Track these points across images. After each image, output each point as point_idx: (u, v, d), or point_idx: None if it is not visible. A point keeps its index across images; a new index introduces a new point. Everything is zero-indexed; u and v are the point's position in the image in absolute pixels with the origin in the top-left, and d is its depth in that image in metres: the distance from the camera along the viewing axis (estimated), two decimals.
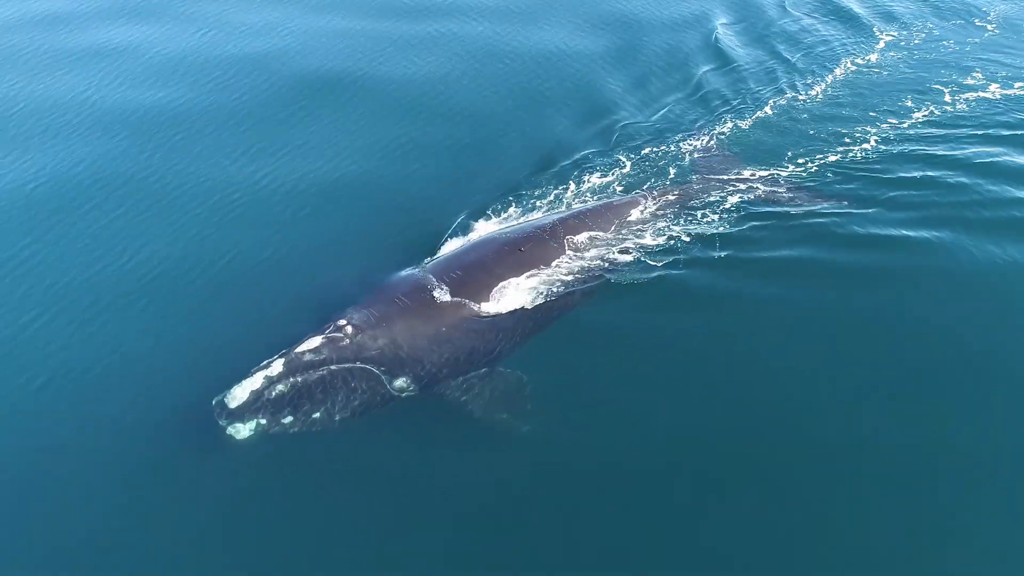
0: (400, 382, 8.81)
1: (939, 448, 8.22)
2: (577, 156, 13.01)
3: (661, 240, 10.79)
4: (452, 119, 14.00)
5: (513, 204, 11.68)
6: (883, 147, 12.65)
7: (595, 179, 12.30)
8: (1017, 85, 14.31)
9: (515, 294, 9.73)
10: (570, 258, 10.29)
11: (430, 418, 8.76)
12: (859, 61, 15.62)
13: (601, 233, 10.73)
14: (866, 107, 13.88)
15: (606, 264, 10.34)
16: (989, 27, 16.86)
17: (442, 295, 9.47)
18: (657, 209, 11.38)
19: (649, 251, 10.57)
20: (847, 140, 12.91)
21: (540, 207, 11.64)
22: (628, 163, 12.69)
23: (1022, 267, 10.16)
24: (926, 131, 13.04)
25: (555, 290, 9.87)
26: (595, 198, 11.81)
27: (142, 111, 14.15)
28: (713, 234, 10.87)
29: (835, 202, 11.49)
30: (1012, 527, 7.55)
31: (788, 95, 14.46)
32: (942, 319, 9.58)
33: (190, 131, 13.59)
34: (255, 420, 8.33)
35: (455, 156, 13.06)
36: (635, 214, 11.21)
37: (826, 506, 7.77)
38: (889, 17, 17.44)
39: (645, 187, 12.03)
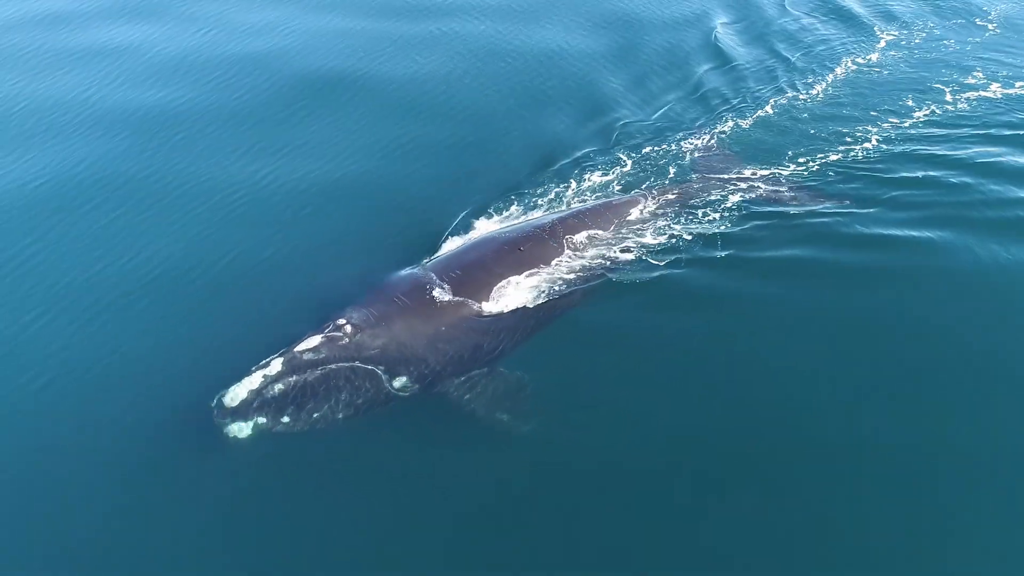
0: (400, 381, 8.81)
1: (939, 448, 8.20)
2: (577, 155, 12.99)
3: (661, 239, 10.78)
4: (452, 118, 13.99)
5: (513, 203, 11.66)
6: (884, 146, 12.63)
7: (595, 178, 12.28)
8: (1018, 84, 14.28)
9: (515, 293, 9.72)
10: (570, 257, 10.28)
11: (430, 418, 8.75)
12: (860, 60, 15.60)
13: (601, 232, 10.73)
14: (867, 106, 13.86)
15: (606, 263, 10.33)
16: (990, 26, 16.83)
17: (442, 294, 9.46)
18: (657, 208, 11.37)
19: (649, 250, 10.56)
20: (848, 139, 12.89)
21: (540, 206, 11.63)
22: (628, 162, 12.67)
23: (1023, 267, 10.13)
24: (927, 130, 13.02)
25: (555, 289, 9.86)
26: (595, 197, 11.80)
27: (143, 110, 14.14)
28: (713, 233, 10.85)
29: (836, 202, 11.48)
30: (1012, 527, 7.53)
31: (789, 94, 14.45)
32: (942, 319, 9.55)
33: (191, 130, 13.59)
34: (254, 419, 8.32)
35: (455, 155, 13.04)
36: (635, 213, 11.20)
37: (826, 506, 7.75)
38: (890, 16, 17.42)
39: (645, 186, 12.02)
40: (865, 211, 11.19)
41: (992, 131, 12.84)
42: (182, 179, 12.35)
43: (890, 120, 13.36)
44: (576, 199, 11.79)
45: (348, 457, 8.36)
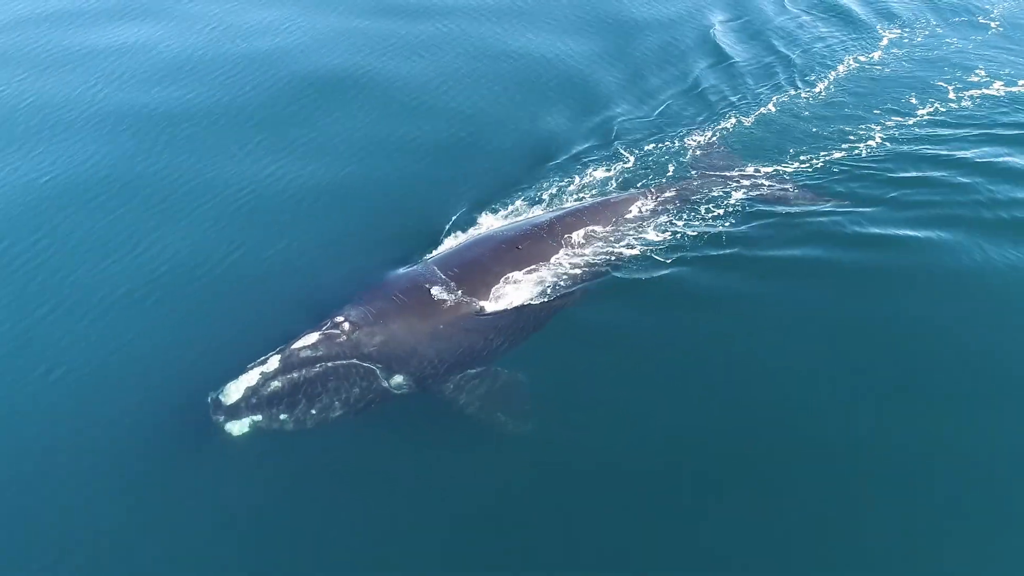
0: (397, 379, 8.78)
1: (937, 448, 8.20)
2: (577, 153, 12.95)
3: (660, 238, 10.74)
4: (451, 117, 13.95)
5: (512, 202, 11.62)
6: (886, 146, 12.58)
7: (595, 174, 12.25)
8: (1021, 83, 14.22)
9: (513, 292, 9.71)
10: (568, 256, 10.25)
11: (427, 416, 8.73)
12: (862, 58, 15.54)
13: (599, 231, 10.69)
14: (869, 105, 13.80)
15: (604, 262, 10.30)
16: (992, 24, 16.76)
17: (440, 293, 9.44)
18: (656, 206, 11.33)
19: (648, 249, 10.52)
20: (850, 138, 12.84)
21: (539, 205, 11.60)
22: (628, 159, 12.63)
23: (1021, 268, 10.10)
24: (929, 130, 12.97)
25: (553, 288, 9.84)
26: (593, 195, 11.76)
27: (145, 109, 14.12)
28: (712, 232, 10.82)
29: (836, 201, 11.44)
30: (1010, 527, 7.53)
31: (791, 92, 14.39)
32: (940, 319, 9.53)
33: (192, 129, 13.57)
34: (250, 417, 8.30)
35: (454, 154, 13.01)
36: (633, 211, 11.16)
37: (825, 506, 7.75)
38: (892, 14, 17.35)
39: (643, 184, 11.97)
40: (864, 211, 11.15)
41: (995, 131, 12.79)
42: (184, 177, 12.34)
43: (892, 119, 13.31)
44: (575, 197, 11.75)
45: (345, 456, 8.34)
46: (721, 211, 11.25)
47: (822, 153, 12.49)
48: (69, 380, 9.01)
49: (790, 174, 12.17)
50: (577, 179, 12.20)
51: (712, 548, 7.46)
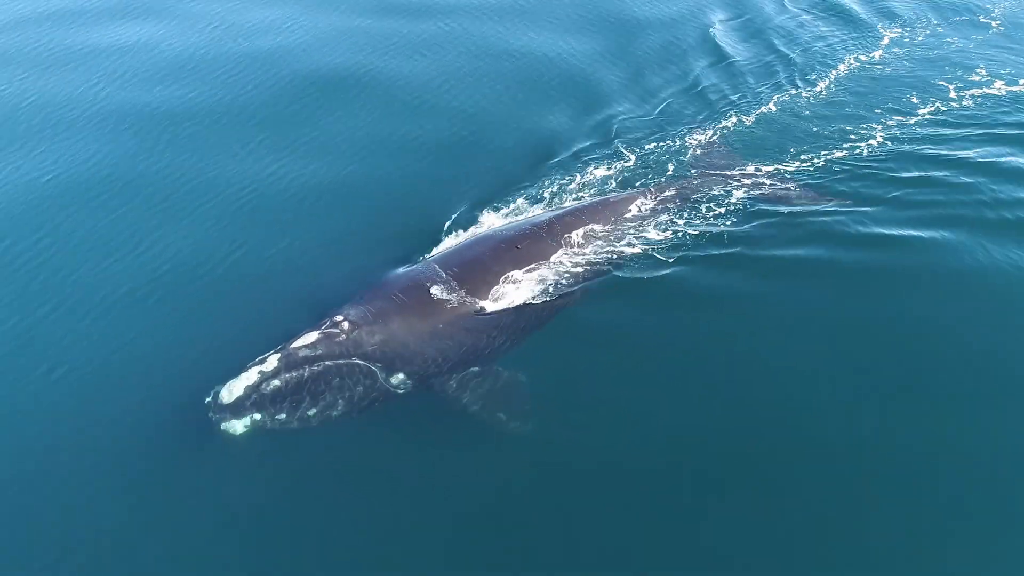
0: (396, 378, 8.75)
1: (939, 448, 8.17)
2: (578, 152, 12.94)
3: (660, 237, 10.71)
4: (453, 116, 13.95)
5: (513, 201, 11.60)
6: (887, 145, 12.56)
7: (595, 174, 12.22)
8: (1022, 82, 14.20)
9: (512, 291, 9.68)
10: (567, 255, 10.23)
11: (427, 415, 8.71)
12: (863, 57, 15.52)
13: (599, 230, 10.67)
14: (869, 104, 13.77)
15: (604, 261, 10.27)
16: (993, 24, 16.75)
17: (439, 292, 9.41)
18: (655, 205, 11.30)
19: (648, 248, 10.50)
20: (851, 137, 12.81)
21: (540, 203, 11.58)
22: (628, 158, 12.60)
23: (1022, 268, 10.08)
24: (931, 129, 12.94)
25: (552, 287, 9.81)
26: (593, 194, 11.73)
27: (147, 108, 14.12)
28: (713, 231, 10.79)
29: (838, 200, 11.41)
30: (1013, 527, 7.51)
31: (791, 91, 14.37)
32: (944, 319, 9.49)
33: (194, 128, 13.57)
34: (249, 416, 8.27)
35: (455, 153, 13.00)
36: (633, 211, 11.13)
37: (826, 506, 7.72)
38: (893, 14, 17.34)
39: (644, 183, 11.94)
40: (866, 210, 11.12)
41: (997, 130, 12.76)
42: (186, 176, 12.34)
43: (893, 118, 13.29)
44: (574, 196, 11.73)
45: (344, 455, 8.30)
46: (722, 210, 11.23)
47: (823, 152, 12.47)
48: (70, 379, 8.99)
49: (791, 173, 12.15)
50: (578, 177, 12.18)
51: (713, 548, 7.43)
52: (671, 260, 10.29)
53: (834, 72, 14.97)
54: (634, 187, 11.85)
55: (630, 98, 14.51)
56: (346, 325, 8.94)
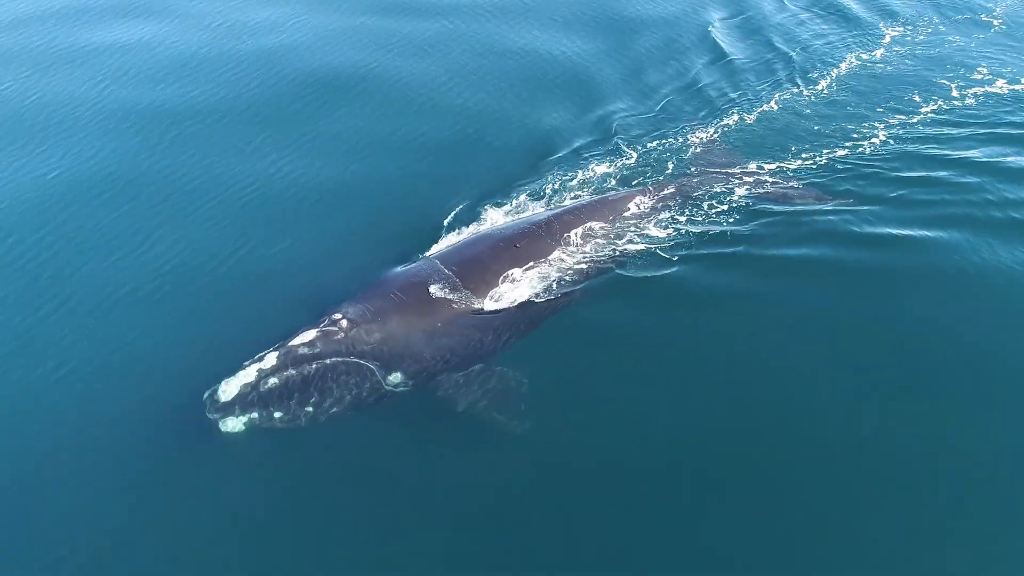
0: (394, 377, 8.72)
1: (940, 448, 8.15)
2: (580, 151, 12.92)
3: (659, 236, 10.68)
4: (454, 114, 13.93)
5: (513, 199, 11.59)
6: (888, 144, 12.53)
7: (596, 171, 12.20)
8: None
9: (511, 290, 9.66)
10: (566, 254, 10.20)
11: (425, 415, 8.68)
12: (864, 56, 15.49)
13: (598, 229, 10.64)
14: (871, 103, 13.74)
15: (603, 260, 10.25)
16: (995, 22, 16.72)
17: (438, 291, 9.39)
18: (655, 204, 11.27)
19: (647, 247, 10.47)
20: (852, 136, 12.78)
21: (541, 201, 11.55)
22: (629, 156, 12.58)
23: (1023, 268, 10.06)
24: (932, 128, 12.90)
25: (551, 286, 9.79)
26: (592, 192, 11.71)
27: (152, 107, 14.14)
28: (712, 231, 10.76)
29: (838, 200, 11.37)
30: (1013, 528, 7.49)
31: (793, 90, 14.33)
32: (944, 319, 9.47)
33: (197, 127, 13.57)
34: (247, 414, 8.26)
35: (455, 152, 12.98)
36: (632, 209, 11.10)
37: (826, 506, 7.70)
38: (894, 12, 17.31)
39: (639, 182, 11.91)
40: (866, 209, 11.10)
41: (998, 129, 12.72)
42: (189, 175, 12.34)
43: (894, 117, 13.25)
44: (574, 194, 11.71)
45: (342, 453, 8.27)
46: (722, 209, 11.19)
47: (825, 151, 12.44)
48: (70, 378, 8.98)
49: (792, 172, 12.12)
50: (579, 175, 12.17)
51: (713, 548, 7.41)
52: (671, 259, 10.26)
53: (835, 70, 14.94)
54: (634, 185, 11.82)
55: (631, 96, 14.48)
56: (345, 323, 8.92)
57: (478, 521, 7.65)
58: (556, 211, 10.93)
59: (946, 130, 12.80)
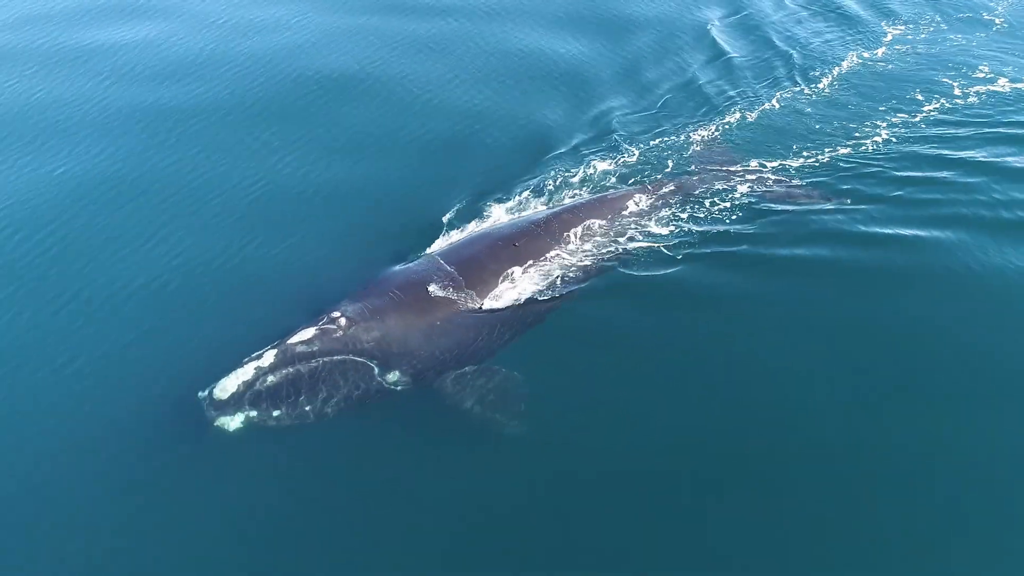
0: (392, 375, 8.70)
1: (937, 448, 8.15)
2: (580, 150, 12.94)
3: (658, 235, 10.66)
4: (454, 113, 13.94)
5: (513, 198, 11.57)
6: (889, 143, 12.51)
7: (596, 169, 12.18)
8: None
9: (510, 289, 9.65)
10: (565, 253, 10.19)
11: (423, 414, 8.67)
12: (865, 55, 15.45)
13: (597, 228, 10.62)
14: (872, 102, 13.72)
15: (602, 259, 10.23)
16: (997, 21, 16.68)
17: (436, 289, 9.37)
18: (654, 202, 11.25)
19: (645, 247, 10.45)
20: (853, 136, 12.77)
21: (541, 199, 11.53)
22: (629, 154, 12.57)
23: (1022, 268, 10.02)
24: (933, 127, 12.89)
25: (550, 285, 9.77)
26: (592, 191, 11.69)
27: (156, 105, 14.20)
28: (711, 230, 10.74)
29: (838, 199, 11.35)
30: (1010, 528, 7.49)
31: (794, 89, 14.32)
32: (941, 320, 9.47)
33: (200, 126, 13.64)
34: (245, 412, 8.24)
35: (455, 150, 12.98)
36: (631, 208, 11.08)
37: (824, 506, 7.70)
38: (896, 11, 17.30)
39: (635, 181, 11.90)
40: (865, 209, 11.09)
41: (1000, 129, 12.70)
42: (193, 174, 12.37)
43: (897, 116, 13.23)
44: (574, 192, 11.68)
45: (339, 452, 8.26)
46: (721, 208, 11.17)
47: (827, 149, 12.44)
48: (72, 377, 8.98)
49: (792, 171, 12.10)
50: (579, 172, 12.15)
51: (713, 548, 7.41)
52: (670, 258, 10.25)
53: (837, 69, 14.92)
54: (633, 184, 11.80)
55: (631, 95, 14.48)
56: (343, 321, 8.90)
57: (477, 521, 7.62)
58: (555, 210, 10.91)
59: (948, 129, 12.78)
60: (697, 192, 11.51)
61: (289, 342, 8.67)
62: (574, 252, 10.23)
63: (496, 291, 9.57)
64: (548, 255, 10.09)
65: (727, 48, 15.85)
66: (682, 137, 13.05)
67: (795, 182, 11.84)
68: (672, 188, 11.56)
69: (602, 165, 12.31)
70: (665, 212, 11.10)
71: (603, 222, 10.72)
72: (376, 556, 7.38)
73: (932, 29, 16.47)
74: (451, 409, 8.51)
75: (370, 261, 10.29)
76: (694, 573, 7.23)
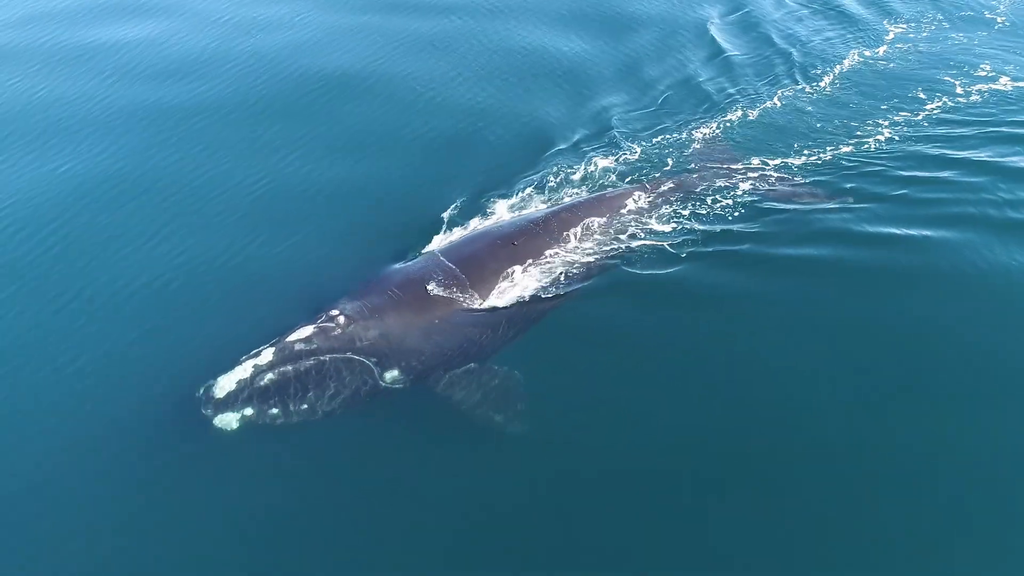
0: (391, 374, 8.68)
1: (941, 448, 8.11)
2: (581, 148, 12.89)
3: (658, 234, 10.62)
4: (455, 112, 13.92)
5: (515, 193, 11.57)
6: (890, 142, 12.46)
7: (596, 167, 12.14)
8: None
9: (509, 288, 9.63)
10: (565, 252, 10.16)
11: (422, 413, 8.63)
12: (867, 53, 15.41)
13: (596, 226, 10.59)
14: (874, 101, 13.65)
15: (601, 258, 10.19)
16: (999, 19, 16.64)
17: (436, 288, 9.36)
18: (653, 201, 11.21)
19: (645, 245, 10.41)
20: (855, 134, 12.70)
21: (541, 195, 11.52)
22: (629, 151, 12.53)
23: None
24: (935, 126, 12.82)
25: (549, 284, 9.74)
26: (591, 189, 11.66)
27: (158, 104, 14.18)
28: (711, 230, 10.70)
29: (839, 199, 11.30)
30: (1014, 528, 7.45)
31: (795, 87, 14.28)
32: (944, 319, 9.41)
33: (203, 124, 13.61)
34: (242, 411, 8.22)
35: (456, 148, 12.96)
36: (630, 206, 11.04)
37: (826, 506, 7.66)
38: (897, 9, 17.25)
39: (632, 179, 11.86)
40: (866, 208, 11.02)
41: (1002, 128, 12.63)
42: (196, 172, 12.36)
43: (899, 114, 13.16)
44: (573, 191, 11.65)
45: (337, 451, 8.23)
46: (721, 207, 11.13)
47: (829, 148, 12.38)
48: (73, 376, 8.96)
49: (793, 170, 12.06)
50: (580, 169, 12.12)
51: (713, 548, 7.38)
52: (670, 257, 10.20)
53: (838, 67, 14.87)
54: (632, 182, 11.77)
55: (633, 92, 14.44)
56: (342, 320, 8.90)
57: (478, 520, 7.59)
58: (554, 208, 10.89)
59: (950, 128, 12.72)
60: (698, 190, 11.48)
61: (287, 340, 8.67)
62: (573, 251, 10.19)
63: (496, 290, 9.55)
64: (547, 254, 10.06)
65: (728, 46, 15.82)
66: (683, 134, 13.01)
67: (797, 180, 11.80)
68: (672, 186, 11.53)
69: (603, 162, 12.28)
70: (666, 209, 11.07)
71: (602, 220, 10.68)
72: (378, 555, 7.35)
73: (934, 27, 16.42)
74: (450, 408, 8.47)
75: (370, 259, 10.27)
76: (695, 573, 7.20)
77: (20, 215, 11.44)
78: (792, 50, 15.59)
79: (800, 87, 14.26)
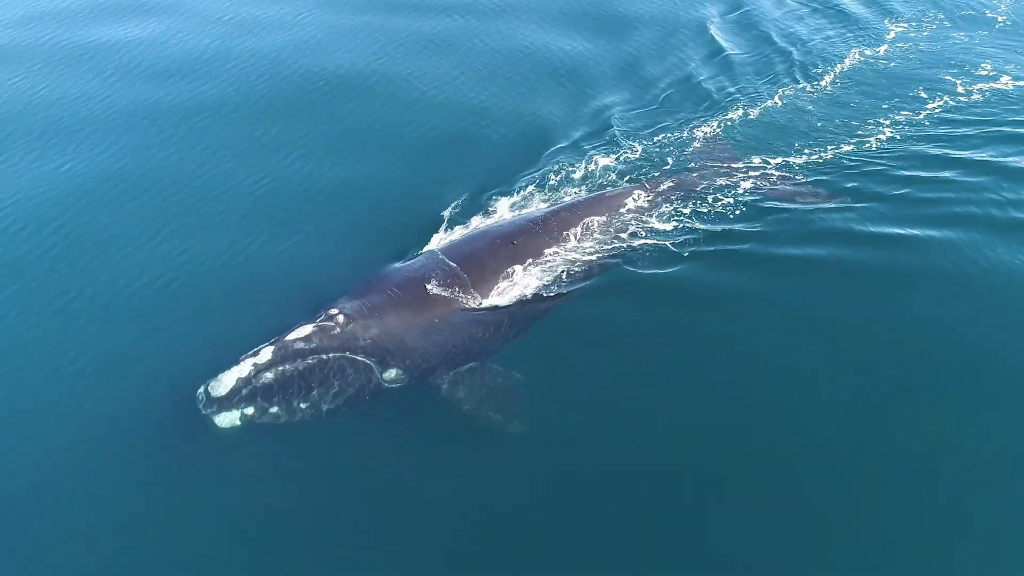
0: (390, 373, 8.68)
1: (941, 448, 8.10)
2: (580, 145, 12.89)
3: (657, 234, 10.61)
4: (455, 111, 13.92)
5: (516, 192, 11.57)
6: (891, 141, 12.44)
7: (597, 167, 12.14)
8: None
9: (509, 287, 9.62)
10: (564, 251, 10.15)
11: (421, 412, 8.63)
12: (868, 52, 15.39)
13: (596, 226, 10.58)
14: (874, 100, 13.64)
15: (602, 257, 10.18)
16: (1000, 18, 16.61)
17: (435, 287, 9.35)
18: (655, 200, 11.20)
19: (645, 245, 10.40)
20: (856, 134, 12.69)
21: (542, 194, 11.52)
22: (630, 150, 12.52)
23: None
24: (937, 126, 12.81)
25: (549, 284, 9.74)
26: (591, 189, 11.65)
27: (159, 104, 14.16)
28: (711, 229, 10.69)
29: (839, 198, 11.29)
30: (1014, 528, 7.45)
31: (795, 86, 14.26)
32: (944, 319, 9.40)
33: (204, 123, 13.60)
34: (241, 410, 8.22)
35: (457, 148, 12.96)
36: (630, 205, 11.03)
37: (826, 506, 7.66)
38: (898, 8, 17.24)
39: (641, 177, 11.85)
40: (867, 208, 11.01)
41: (1004, 128, 12.61)
42: (195, 171, 12.36)
43: (900, 113, 13.15)
44: (573, 190, 11.64)
45: (336, 450, 8.24)
46: (721, 207, 11.12)
47: (830, 147, 12.37)
48: (74, 375, 8.96)
49: (794, 169, 12.04)
50: (581, 168, 12.12)
51: (713, 548, 7.38)
52: (671, 257, 10.19)
53: (839, 66, 14.85)
54: (632, 181, 11.76)
55: (633, 91, 14.44)
56: (341, 319, 8.89)
57: (478, 520, 7.59)
58: (555, 208, 10.88)
59: (951, 128, 12.70)
60: (699, 189, 11.46)
61: (287, 339, 8.66)
62: (573, 250, 10.18)
63: (495, 289, 9.54)
64: (548, 253, 10.05)
65: (728, 45, 15.81)
66: (684, 133, 13.01)
67: (798, 179, 11.78)
68: (672, 185, 11.52)
69: (604, 161, 12.27)
70: (666, 208, 11.06)
71: (602, 219, 10.68)
72: (378, 555, 7.36)
73: (935, 27, 16.40)
74: (450, 408, 8.47)
75: (371, 259, 10.27)
76: (695, 573, 7.20)
77: (21, 214, 11.45)
78: (792, 49, 15.57)
79: (801, 86, 14.25)
